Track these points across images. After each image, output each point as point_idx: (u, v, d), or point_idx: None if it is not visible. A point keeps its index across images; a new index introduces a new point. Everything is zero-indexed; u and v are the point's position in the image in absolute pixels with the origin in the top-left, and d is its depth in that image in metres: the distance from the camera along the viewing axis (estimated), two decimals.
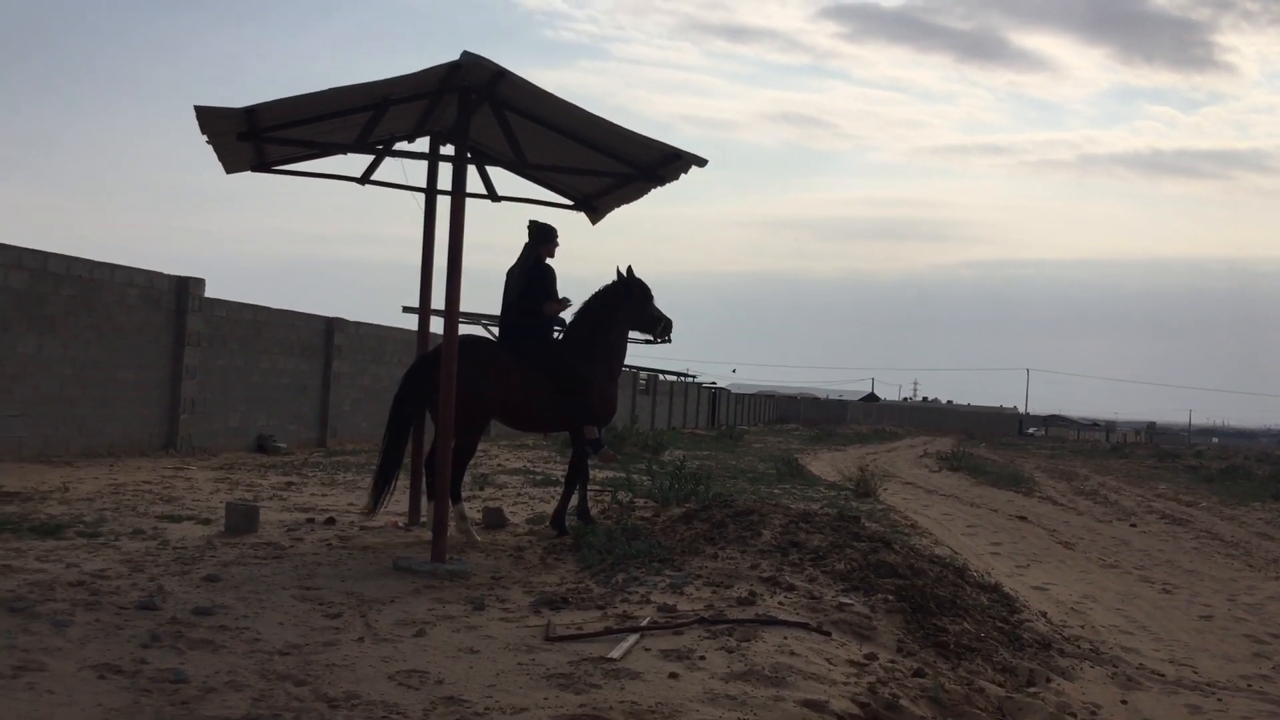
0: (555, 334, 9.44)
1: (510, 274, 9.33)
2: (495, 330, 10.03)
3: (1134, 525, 18.34)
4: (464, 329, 8.85)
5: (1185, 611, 10.01)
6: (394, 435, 8.77)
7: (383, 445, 8.87)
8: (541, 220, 9.35)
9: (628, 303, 9.61)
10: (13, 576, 6.11)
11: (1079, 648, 7.72)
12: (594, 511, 10.07)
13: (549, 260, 9.30)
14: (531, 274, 9.18)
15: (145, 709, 4.07)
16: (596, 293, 9.59)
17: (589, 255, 9.54)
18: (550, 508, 10.40)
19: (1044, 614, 8.78)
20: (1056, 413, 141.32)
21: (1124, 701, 6.48)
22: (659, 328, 9.89)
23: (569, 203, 9.91)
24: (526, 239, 9.31)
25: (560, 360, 9.12)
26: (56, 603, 5.54)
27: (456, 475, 8.60)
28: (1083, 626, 8.73)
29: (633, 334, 9.92)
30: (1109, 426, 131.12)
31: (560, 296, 9.26)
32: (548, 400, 9.06)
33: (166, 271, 15.07)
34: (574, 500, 9.62)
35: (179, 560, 6.99)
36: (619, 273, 9.65)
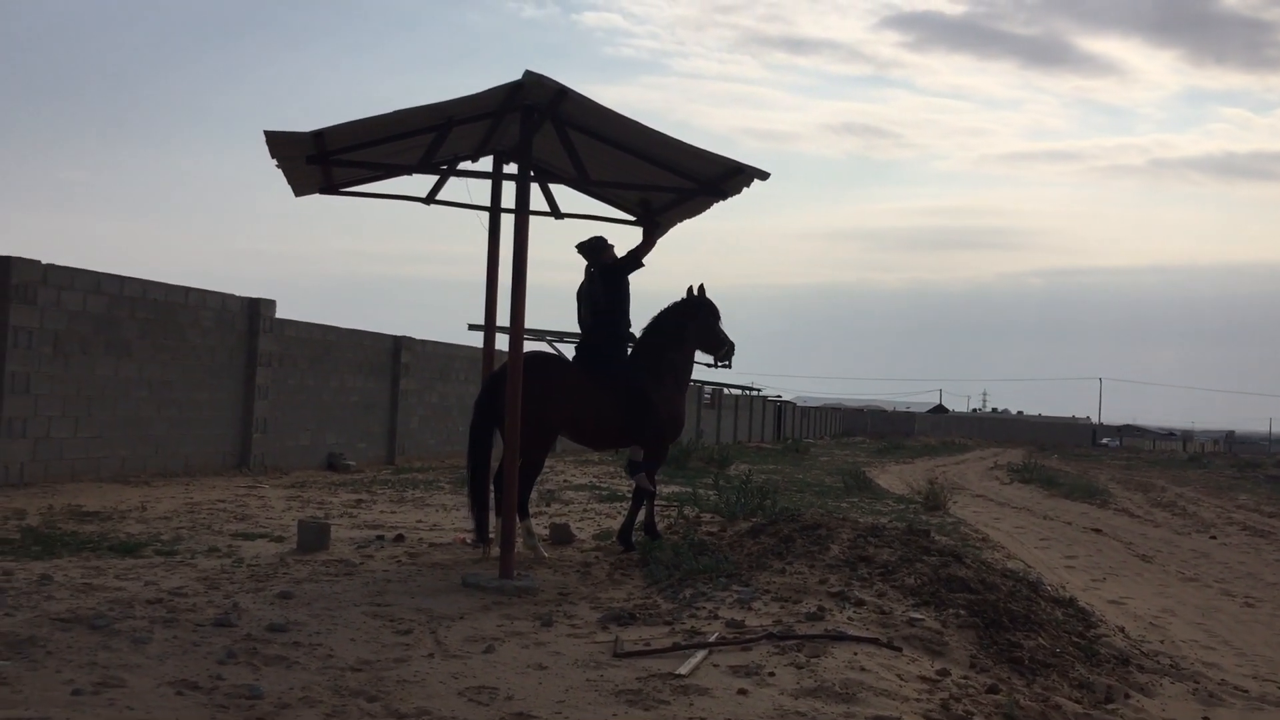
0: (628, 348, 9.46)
1: (580, 292, 9.37)
2: (560, 347, 10.09)
3: (1214, 537, 17.90)
4: (529, 345, 8.90)
5: (1269, 625, 9.74)
6: (476, 461, 8.74)
7: (468, 474, 8.84)
8: (584, 239, 9.36)
9: (696, 321, 9.62)
10: (93, 594, 6.26)
11: (1158, 663, 7.54)
12: (660, 527, 10.06)
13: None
14: (606, 276, 9.22)
15: None
16: (666, 309, 9.59)
17: (652, 269, 9.55)
18: (616, 523, 10.41)
19: (1121, 629, 8.60)
20: (1131, 422, 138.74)
21: (1205, 718, 6.32)
22: (721, 350, 9.88)
23: (631, 218, 9.94)
24: (585, 264, 9.36)
25: (630, 378, 9.13)
26: (135, 620, 5.66)
27: (523, 492, 8.64)
28: (1162, 641, 8.53)
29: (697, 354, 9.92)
30: (1186, 436, 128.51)
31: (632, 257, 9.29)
32: (614, 416, 9.06)
33: (238, 293, 15.39)
34: (641, 515, 9.62)
35: (253, 578, 7.11)
36: (689, 291, 9.66)
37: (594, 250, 9.30)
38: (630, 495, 10.03)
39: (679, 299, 9.66)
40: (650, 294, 9.90)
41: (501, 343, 9.37)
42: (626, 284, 9.29)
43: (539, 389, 8.44)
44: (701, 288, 9.69)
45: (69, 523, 9.18)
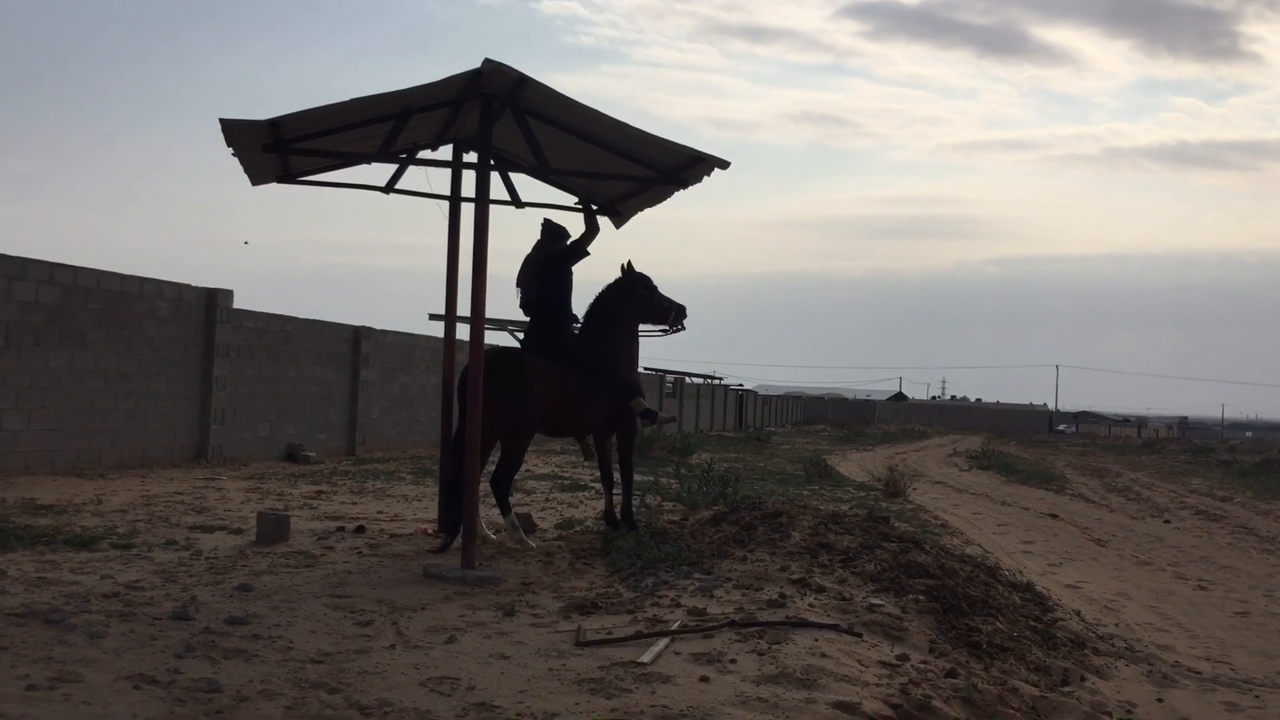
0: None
1: (521, 273, 9.35)
2: (521, 336, 10.08)
3: (1167, 521, 18.17)
4: (489, 335, 8.90)
5: (1221, 608, 9.90)
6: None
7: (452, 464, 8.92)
8: (555, 222, 9.40)
9: (633, 297, 9.64)
10: (48, 589, 6.18)
11: (1113, 646, 7.65)
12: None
13: None
14: (549, 264, 9.22)
15: (180, 719, 4.11)
16: (602, 294, 9.60)
17: (613, 259, 9.56)
18: (579, 512, 10.42)
19: (1077, 612, 8.71)
20: (1087, 409, 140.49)
21: (1160, 700, 6.42)
22: (670, 315, 9.83)
23: (593, 208, 9.92)
24: (539, 237, 9.37)
25: (589, 354, 9.17)
26: (91, 614, 5.59)
27: (506, 489, 8.86)
28: (1117, 624, 8.66)
29: (647, 327, 9.88)
30: (1140, 422, 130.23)
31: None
32: (585, 402, 9.11)
33: (195, 284, 15.22)
34: (604, 504, 9.68)
35: (211, 570, 7.04)
36: (621, 269, 9.71)
37: (554, 234, 9.31)
38: (599, 482, 10.01)
39: (612, 281, 9.64)
40: (604, 283, 9.82)
41: (463, 332, 9.34)
42: (570, 274, 9.30)
43: (514, 386, 8.48)
44: (629, 264, 9.67)
45: (23, 516, 9.05)
